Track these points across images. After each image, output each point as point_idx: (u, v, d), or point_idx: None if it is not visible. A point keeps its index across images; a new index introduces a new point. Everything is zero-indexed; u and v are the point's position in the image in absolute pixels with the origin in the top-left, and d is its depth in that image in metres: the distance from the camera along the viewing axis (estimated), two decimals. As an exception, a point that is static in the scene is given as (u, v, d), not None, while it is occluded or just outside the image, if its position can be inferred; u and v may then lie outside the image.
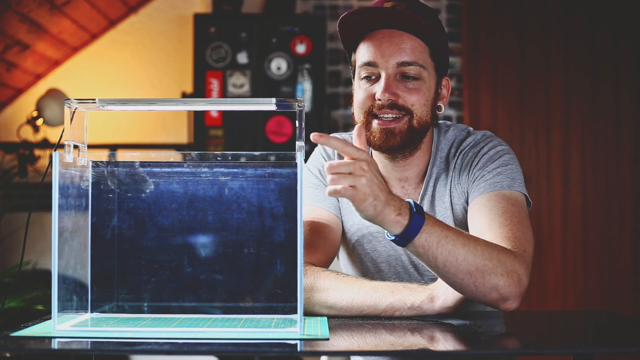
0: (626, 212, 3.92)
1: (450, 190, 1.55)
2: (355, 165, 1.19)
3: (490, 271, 1.26)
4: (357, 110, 1.51)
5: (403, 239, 1.24)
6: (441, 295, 1.32)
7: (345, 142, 1.21)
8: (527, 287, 1.30)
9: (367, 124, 1.49)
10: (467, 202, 1.52)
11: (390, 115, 1.47)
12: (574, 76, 3.95)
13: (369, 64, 1.48)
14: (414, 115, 1.48)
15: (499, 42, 3.96)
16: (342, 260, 1.69)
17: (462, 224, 1.53)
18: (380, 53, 1.46)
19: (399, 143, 1.49)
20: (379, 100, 1.46)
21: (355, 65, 1.53)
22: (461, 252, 1.26)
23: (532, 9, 3.97)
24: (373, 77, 1.49)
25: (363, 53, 1.49)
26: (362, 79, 1.50)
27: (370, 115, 1.49)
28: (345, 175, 1.19)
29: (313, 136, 1.19)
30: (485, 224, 1.40)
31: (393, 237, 1.25)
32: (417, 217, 1.23)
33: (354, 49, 1.53)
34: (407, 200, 1.26)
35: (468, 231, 1.45)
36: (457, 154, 1.56)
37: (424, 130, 1.51)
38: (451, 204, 1.54)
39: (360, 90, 1.50)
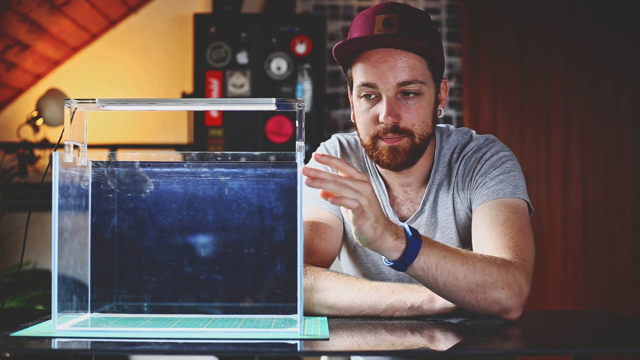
0: (626, 212, 3.92)
1: (453, 196, 1.55)
2: (360, 185, 1.19)
3: (491, 286, 1.27)
4: (363, 132, 1.51)
5: (402, 263, 1.24)
6: (441, 295, 1.32)
7: (347, 163, 1.20)
8: (528, 296, 1.30)
9: (373, 145, 1.50)
10: (469, 209, 1.52)
11: (392, 137, 1.47)
12: (574, 76, 3.95)
13: (367, 84, 1.47)
14: (415, 135, 1.48)
15: (499, 42, 3.96)
16: (344, 261, 1.69)
17: (465, 229, 1.53)
18: (378, 75, 1.45)
19: (405, 160, 1.49)
20: (383, 123, 1.46)
21: (352, 81, 1.52)
22: (460, 270, 1.26)
23: (532, 9, 3.97)
24: (373, 97, 1.48)
25: (361, 73, 1.48)
26: (361, 97, 1.49)
27: (376, 137, 1.49)
28: (349, 189, 1.18)
29: (315, 156, 1.18)
30: (486, 232, 1.41)
31: (391, 263, 1.25)
32: (414, 241, 1.23)
33: (349, 65, 1.53)
34: (401, 225, 1.26)
35: (471, 237, 1.46)
36: (460, 159, 1.56)
37: (426, 143, 1.52)
38: (454, 210, 1.54)
39: (361, 111, 1.50)
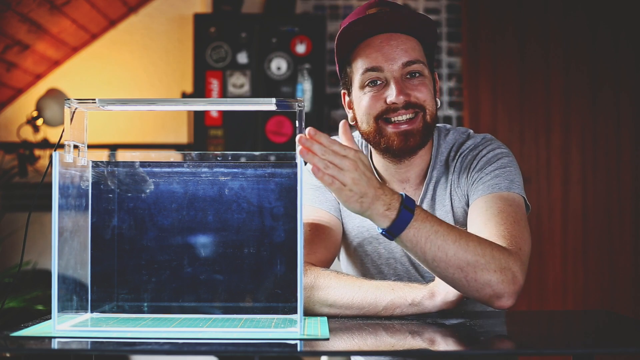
0: (626, 212, 3.92)
1: (451, 193, 1.55)
2: (343, 161, 1.19)
3: (483, 267, 1.26)
4: (365, 117, 1.51)
5: (390, 233, 1.25)
6: (442, 290, 1.32)
7: (331, 140, 1.20)
8: (522, 286, 1.29)
9: (378, 130, 1.50)
10: (467, 205, 1.52)
11: (405, 117, 1.48)
12: (574, 76, 3.95)
13: (373, 69, 1.48)
14: (427, 110, 1.50)
15: (499, 42, 3.96)
16: (343, 262, 1.69)
17: (463, 226, 1.53)
18: (383, 57, 1.47)
19: (419, 141, 1.50)
20: (394, 104, 1.47)
21: (352, 76, 1.53)
22: (451, 247, 1.26)
23: (532, 9, 3.97)
24: (379, 82, 1.49)
25: (363, 61, 1.49)
26: (366, 85, 1.50)
27: (381, 120, 1.49)
28: (332, 165, 1.19)
29: (307, 132, 1.18)
30: (481, 223, 1.41)
31: (381, 230, 1.26)
32: (405, 213, 1.24)
33: (348, 61, 1.53)
34: (400, 193, 1.26)
35: None
36: (457, 156, 1.56)
37: (434, 124, 1.53)
38: (452, 207, 1.55)
39: (365, 97, 1.50)
